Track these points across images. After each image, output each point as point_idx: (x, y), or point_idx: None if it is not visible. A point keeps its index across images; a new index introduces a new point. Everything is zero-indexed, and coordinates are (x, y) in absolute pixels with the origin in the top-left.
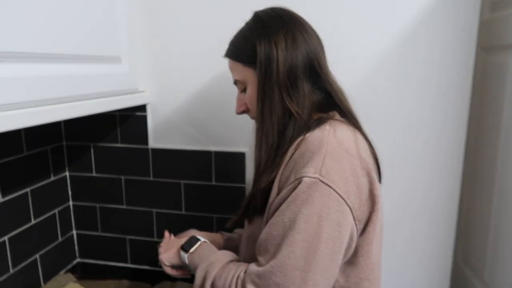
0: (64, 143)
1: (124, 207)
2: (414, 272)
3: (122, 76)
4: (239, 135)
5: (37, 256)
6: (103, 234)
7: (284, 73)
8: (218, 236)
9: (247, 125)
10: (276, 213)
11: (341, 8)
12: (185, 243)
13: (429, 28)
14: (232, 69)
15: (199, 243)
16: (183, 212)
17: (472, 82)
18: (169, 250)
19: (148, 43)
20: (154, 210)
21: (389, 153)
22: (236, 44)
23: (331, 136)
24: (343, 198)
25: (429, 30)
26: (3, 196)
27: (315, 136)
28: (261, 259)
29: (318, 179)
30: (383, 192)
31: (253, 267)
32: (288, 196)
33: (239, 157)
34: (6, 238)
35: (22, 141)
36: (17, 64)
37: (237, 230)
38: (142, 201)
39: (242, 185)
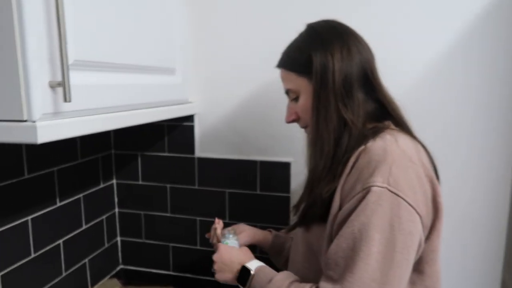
0: (113, 151)
1: (168, 214)
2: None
3: (175, 87)
4: (284, 145)
5: (86, 260)
6: (147, 241)
7: (339, 83)
8: (267, 233)
9: (292, 135)
10: (345, 225)
11: (387, 19)
12: (239, 277)
13: (478, 38)
14: (284, 78)
15: (252, 274)
16: (227, 220)
17: None
18: (223, 273)
19: (199, 55)
20: (198, 219)
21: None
22: (290, 55)
23: (394, 145)
24: (413, 207)
25: (479, 41)
26: (60, 200)
27: (378, 145)
28: (331, 273)
29: (387, 188)
30: None
31: (326, 285)
32: (356, 206)
33: (284, 167)
34: (61, 241)
35: (77, 149)
36: (92, 73)
37: (283, 232)
38: (187, 209)
39: (287, 195)
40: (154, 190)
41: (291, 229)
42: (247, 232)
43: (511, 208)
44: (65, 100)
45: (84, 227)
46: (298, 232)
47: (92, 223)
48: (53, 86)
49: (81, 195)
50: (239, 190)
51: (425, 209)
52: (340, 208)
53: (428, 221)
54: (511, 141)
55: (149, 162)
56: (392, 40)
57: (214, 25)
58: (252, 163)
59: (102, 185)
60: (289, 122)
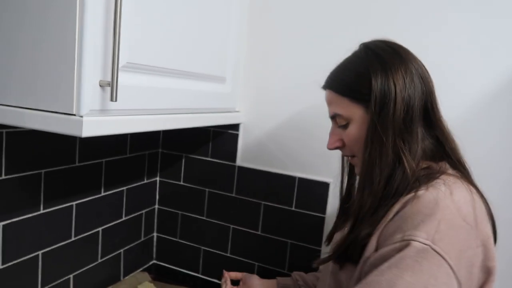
0: (160, 150)
1: (204, 218)
2: None
3: (224, 95)
4: (325, 165)
5: (121, 251)
6: (180, 240)
7: (400, 115)
8: (273, 283)
9: (334, 155)
10: (374, 272)
11: (443, 45)
12: None
13: None
14: (332, 102)
15: None
16: (259, 232)
17: None
18: None
19: (251, 67)
20: (232, 226)
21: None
22: (343, 77)
23: (448, 199)
24: (453, 271)
25: None
26: (105, 190)
27: (430, 196)
28: None
29: (430, 246)
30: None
31: None
32: (391, 256)
33: (322, 186)
34: (100, 229)
35: (127, 144)
36: (145, 76)
37: (297, 274)
38: (222, 215)
39: (322, 215)
40: (193, 192)
41: (322, 262)
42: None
43: None
44: (112, 99)
45: (123, 218)
46: (329, 265)
47: (132, 216)
48: (103, 85)
49: (124, 188)
50: (275, 204)
51: (467, 276)
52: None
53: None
54: None
55: (192, 164)
56: (450, 67)
57: (270, 41)
58: (291, 178)
59: (146, 181)
60: (331, 149)
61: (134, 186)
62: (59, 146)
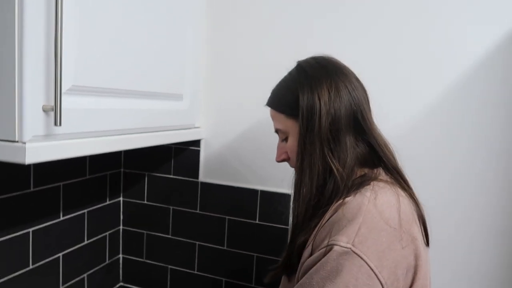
0: (122, 170)
1: (170, 236)
2: None
3: (182, 113)
4: (286, 177)
5: (85, 275)
6: (147, 260)
7: (326, 127)
8: None
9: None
10: (306, 275)
11: (390, 54)
12: None
13: (491, 77)
14: (273, 118)
15: None
16: (225, 247)
17: None
18: None
19: (209, 83)
20: (197, 243)
21: (444, 212)
22: (279, 95)
23: (371, 204)
24: (374, 273)
25: (491, 79)
26: (63, 215)
27: (355, 202)
28: None
29: (351, 249)
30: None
31: None
32: (318, 261)
33: (284, 198)
34: (60, 254)
35: (86, 166)
36: (98, 98)
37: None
38: (187, 232)
39: (286, 227)
40: (157, 210)
41: (271, 276)
42: None
43: None
44: (56, 124)
45: (86, 241)
46: (284, 279)
47: (95, 238)
48: (46, 110)
49: (85, 211)
50: (239, 218)
51: (392, 277)
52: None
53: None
54: None
55: (155, 182)
56: (394, 75)
57: (228, 56)
58: (253, 192)
59: (108, 202)
60: (279, 161)
61: (96, 208)
62: (12, 172)
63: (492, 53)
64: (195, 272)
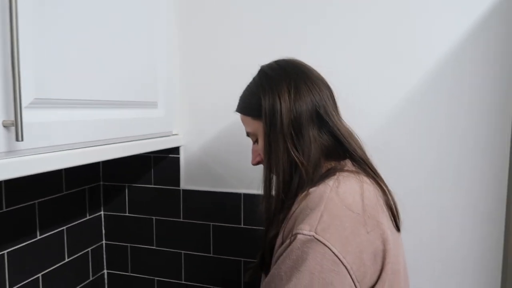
0: (101, 183)
1: (154, 247)
2: None
3: (157, 120)
4: None
5: None
6: (133, 274)
7: (288, 123)
8: None
9: None
10: (274, 266)
11: (362, 51)
12: None
13: (461, 69)
14: (243, 122)
15: None
16: (211, 254)
17: None
18: None
19: (184, 88)
20: (183, 252)
21: (416, 200)
22: (244, 99)
23: (333, 192)
24: (338, 258)
25: (462, 71)
26: (40, 234)
27: (317, 192)
28: None
29: (313, 236)
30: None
31: None
32: (285, 251)
33: None
34: (39, 275)
35: (62, 181)
36: (68, 110)
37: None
38: (172, 242)
39: None
40: (140, 222)
41: (250, 275)
42: None
43: (505, 243)
44: (17, 140)
45: (67, 259)
46: (263, 277)
47: (77, 255)
48: (7, 125)
49: (64, 228)
50: (224, 223)
51: (358, 262)
52: None
53: (365, 274)
54: (504, 172)
55: (136, 194)
56: (367, 66)
57: (199, 60)
58: (237, 195)
59: (88, 217)
60: (254, 164)
61: (76, 224)
62: None
63: (462, 44)
64: (183, 282)
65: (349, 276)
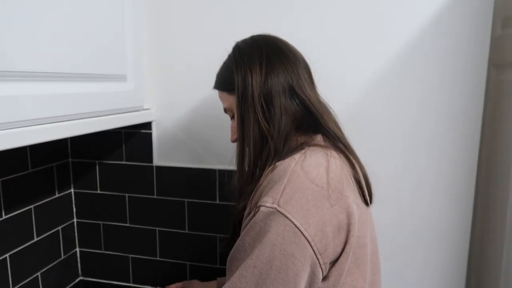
0: (70, 160)
1: (128, 225)
2: None
3: (127, 94)
4: None
5: (38, 274)
6: (106, 252)
7: (258, 95)
8: (213, 284)
9: None
10: (240, 237)
11: (334, 27)
12: None
13: (435, 45)
14: (220, 98)
15: None
16: (186, 231)
17: (484, 100)
18: None
19: (154, 61)
20: (158, 229)
21: (392, 177)
22: (220, 75)
23: (297, 166)
24: (300, 230)
25: (435, 47)
26: (6, 213)
27: (283, 165)
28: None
29: (276, 208)
30: (388, 218)
31: None
32: (248, 223)
33: None
34: (7, 255)
35: (28, 158)
36: (25, 83)
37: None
38: (146, 219)
39: None
40: (113, 199)
41: (224, 245)
42: None
43: (473, 224)
44: None
45: (36, 239)
46: None
47: (46, 234)
48: None
49: (31, 206)
50: (199, 199)
51: (320, 234)
52: None
53: (327, 246)
54: (474, 153)
55: (107, 171)
56: (340, 47)
57: (169, 30)
58: (211, 171)
59: (58, 195)
60: (233, 141)
61: (44, 203)
62: None
63: (435, 18)
64: (158, 259)
65: (310, 248)
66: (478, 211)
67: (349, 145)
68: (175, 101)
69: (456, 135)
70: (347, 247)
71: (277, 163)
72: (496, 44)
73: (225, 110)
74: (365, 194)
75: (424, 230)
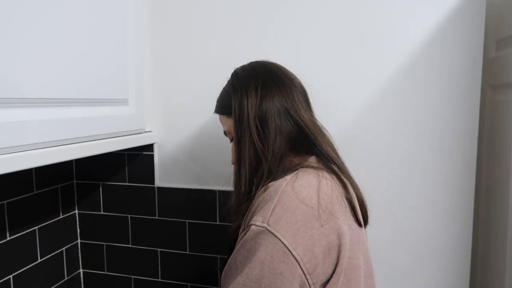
0: (75, 181)
1: (130, 246)
2: None
3: (129, 118)
4: None
5: None
6: (109, 273)
7: (254, 117)
8: None
9: None
10: (232, 255)
11: (330, 53)
12: None
13: (429, 66)
14: (220, 121)
15: None
16: (187, 252)
17: (480, 121)
18: None
19: (156, 85)
20: (159, 250)
21: (388, 198)
22: (219, 99)
23: (288, 186)
24: (288, 249)
25: (430, 68)
26: (10, 234)
27: (275, 185)
28: None
29: (265, 227)
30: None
31: None
32: (240, 241)
33: None
34: (10, 276)
35: (33, 180)
36: (31, 109)
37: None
38: (148, 240)
39: None
40: (115, 220)
41: (222, 266)
42: None
43: (474, 238)
44: None
45: (40, 260)
46: None
47: (50, 255)
48: None
49: (36, 228)
50: (199, 220)
51: (309, 254)
52: None
53: (316, 266)
54: (471, 171)
55: (111, 192)
56: (339, 65)
57: (171, 55)
58: (212, 192)
59: (62, 216)
60: (233, 163)
61: (49, 224)
62: None
63: (430, 37)
64: (160, 280)
65: (299, 267)
66: (478, 227)
67: (343, 165)
68: (176, 124)
69: (452, 154)
70: (338, 268)
71: (270, 184)
72: (490, 65)
73: (225, 133)
74: (358, 215)
75: (423, 249)
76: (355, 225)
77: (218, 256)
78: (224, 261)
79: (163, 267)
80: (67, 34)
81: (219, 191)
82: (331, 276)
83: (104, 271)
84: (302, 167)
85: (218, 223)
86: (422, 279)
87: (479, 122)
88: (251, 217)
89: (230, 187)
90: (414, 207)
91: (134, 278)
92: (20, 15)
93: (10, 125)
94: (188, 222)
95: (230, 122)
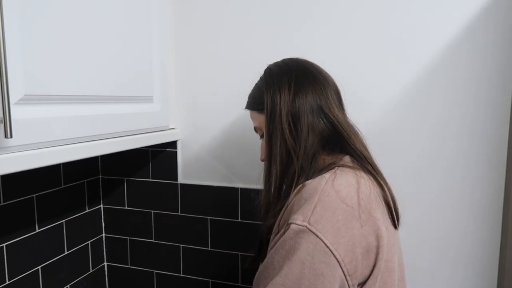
0: (100, 177)
1: (153, 240)
2: None
3: (154, 115)
4: None
5: (68, 286)
6: (132, 267)
7: (286, 114)
8: None
9: None
10: (268, 255)
11: (361, 48)
12: None
13: (457, 65)
14: (251, 117)
15: None
16: (209, 248)
17: (510, 118)
18: None
19: (180, 83)
20: (181, 245)
21: (419, 197)
22: (251, 95)
23: (328, 185)
24: (330, 250)
25: (457, 68)
26: (39, 227)
27: (313, 184)
28: None
29: (306, 227)
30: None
31: None
32: (278, 240)
33: None
34: (39, 267)
35: (61, 175)
36: (58, 106)
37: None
38: (170, 235)
39: None
40: (139, 215)
41: (250, 262)
42: None
43: (501, 243)
44: (6, 137)
45: (66, 252)
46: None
47: (76, 248)
48: None
49: (63, 221)
50: (221, 217)
51: (350, 255)
52: None
53: (356, 267)
54: (501, 171)
55: (135, 187)
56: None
57: (198, 54)
58: (234, 190)
59: (88, 210)
60: (262, 160)
61: (75, 217)
62: None
63: (458, 37)
64: (181, 275)
65: (340, 268)
66: (507, 232)
67: (376, 166)
68: (199, 121)
69: (480, 152)
70: (375, 270)
71: (306, 182)
72: None
73: (256, 129)
74: (394, 216)
75: (447, 253)
76: (391, 227)
77: (240, 253)
78: (252, 258)
79: (185, 263)
80: (102, 37)
81: (241, 188)
82: (368, 278)
83: (127, 264)
84: (338, 166)
85: (240, 220)
86: (445, 284)
87: (509, 123)
88: (289, 216)
89: (252, 185)
90: (439, 207)
91: (156, 272)
92: (55, 16)
93: (38, 121)
94: (210, 219)
95: (261, 118)
